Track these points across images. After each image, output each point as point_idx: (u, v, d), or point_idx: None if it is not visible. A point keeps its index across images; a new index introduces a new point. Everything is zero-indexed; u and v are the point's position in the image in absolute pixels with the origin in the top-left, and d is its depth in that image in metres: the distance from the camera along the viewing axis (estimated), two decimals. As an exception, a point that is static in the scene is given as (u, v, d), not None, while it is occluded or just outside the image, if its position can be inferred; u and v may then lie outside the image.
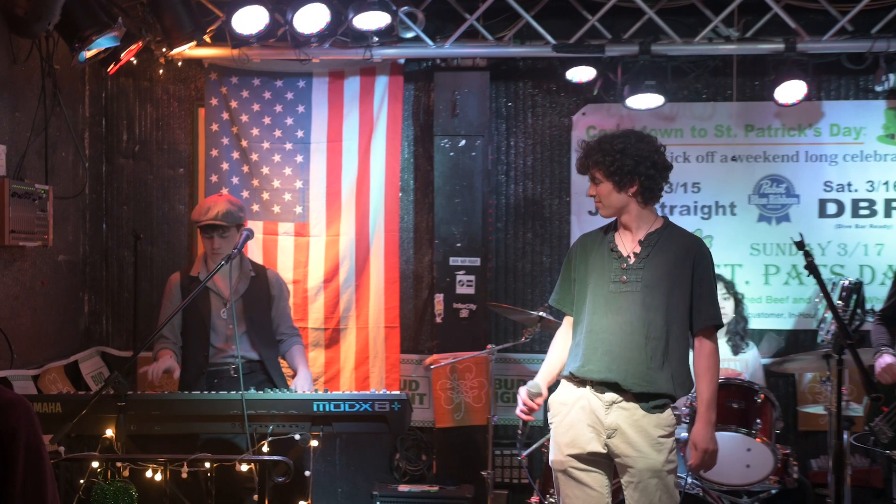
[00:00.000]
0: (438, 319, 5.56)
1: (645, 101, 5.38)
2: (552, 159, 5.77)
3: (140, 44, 5.13)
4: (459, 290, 5.54)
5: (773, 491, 4.65)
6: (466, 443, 5.52)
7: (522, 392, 3.64)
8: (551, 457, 3.59)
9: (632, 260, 3.50)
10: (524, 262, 5.79)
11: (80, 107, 5.67)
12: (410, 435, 5.72)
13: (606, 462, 3.50)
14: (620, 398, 3.43)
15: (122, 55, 5.09)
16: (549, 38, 5.29)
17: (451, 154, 5.57)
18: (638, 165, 3.46)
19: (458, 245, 5.55)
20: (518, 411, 3.67)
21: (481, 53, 5.50)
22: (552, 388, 3.71)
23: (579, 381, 3.52)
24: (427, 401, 5.75)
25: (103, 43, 4.75)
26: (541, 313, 4.84)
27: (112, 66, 5.16)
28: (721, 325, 3.56)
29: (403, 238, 5.76)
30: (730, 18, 5.28)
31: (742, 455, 4.51)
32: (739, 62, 5.53)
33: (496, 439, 5.17)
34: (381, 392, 4.17)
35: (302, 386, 4.50)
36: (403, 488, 5.26)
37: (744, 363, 5.28)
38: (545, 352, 5.51)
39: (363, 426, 4.15)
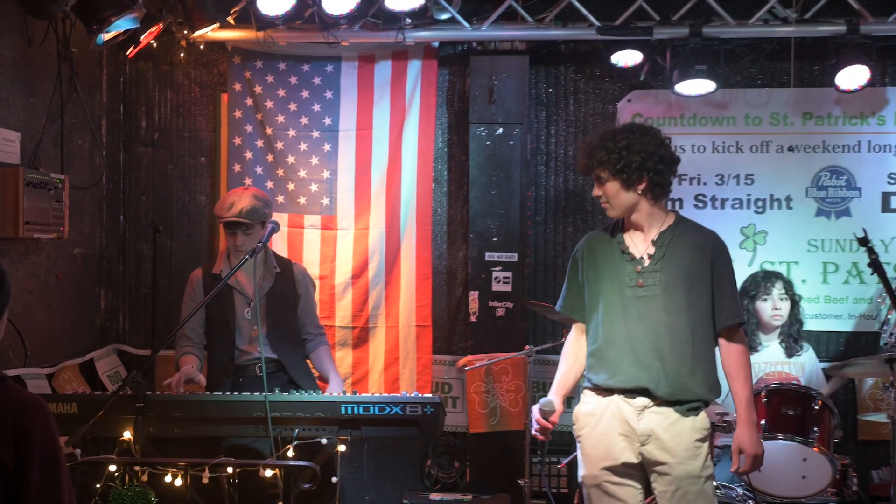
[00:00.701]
0: (473, 318, 5.39)
1: (695, 86, 5.18)
2: (595, 149, 5.50)
3: (160, 26, 4.97)
4: (495, 287, 5.37)
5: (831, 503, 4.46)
6: (502, 449, 5.35)
7: (535, 411, 3.51)
8: (582, 472, 3.47)
9: (646, 262, 3.38)
10: (564, 257, 5.56)
11: (98, 92, 5.51)
12: (442, 440, 5.54)
13: (640, 474, 3.38)
14: (652, 403, 3.31)
15: (142, 38, 4.93)
16: (592, 19, 5.09)
17: (488, 143, 5.38)
18: (645, 161, 3.33)
19: (495, 240, 5.38)
20: (533, 432, 3.56)
21: (520, 36, 5.31)
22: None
23: (606, 391, 3.39)
24: (460, 404, 5.56)
25: (122, 25, 4.59)
26: (582, 313, 4.60)
27: (131, 49, 5.00)
28: (744, 323, 3.46)
29: (436, 232, 5.58)
30: (788, -1, 5.07)
31: (797, 465, 4.32)
32: (797, 45, 5.29)
33: (534, 446, 5.02)
34: (412, 395, 4.01)
35: (337, 394, 4.34)
36: (435, 496, 5.15)
37: (799, 367, 5.07)
38: None
39: (394, 430, 3.99)
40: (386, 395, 4.32)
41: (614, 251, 3.44)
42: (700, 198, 5.39)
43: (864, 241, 4.37)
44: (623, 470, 3.36)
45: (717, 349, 3.46)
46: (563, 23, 5.18)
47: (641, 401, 3.32)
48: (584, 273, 3.52)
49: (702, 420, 3.34)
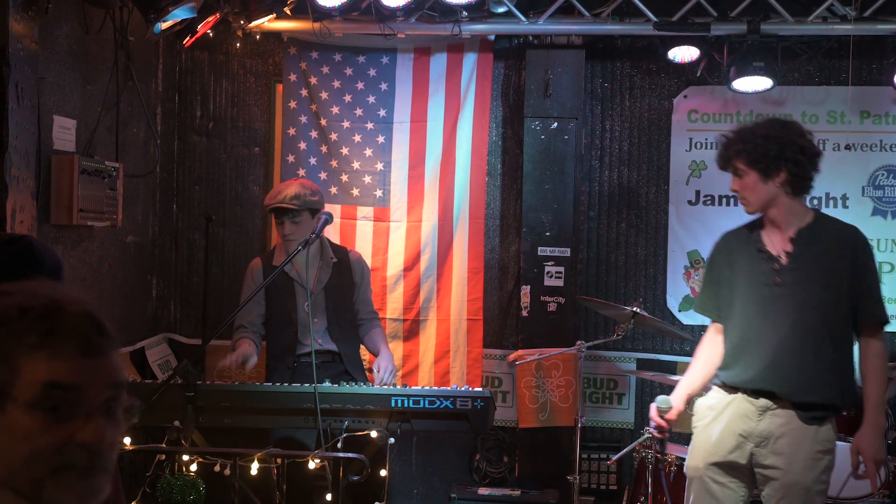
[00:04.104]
0: (524, 313, 5.35)
1: (752, 83, 5.13)
2: (650, 144, 5.52)
3: (217, 16, 4.94)
4: (547, 281, 5.32)
5: None
6: (551, 445, 5.30)
7: (652, 409, 3.49)
8: (688, 461, 3.41)
9: (784, 260, 3.26)
10: (617, 253, 5.55)
11: (153, 81, 5.52)
12: (492, 435, 5.49)
13: (746, 476, 3.29)
14: (775, 405, 3.21)
15: (199, 27, 4.89)
16: (650, 14, 5.04)
17: (542, 137, 5.34)
18: (783, 150, 3.22)
19: (548, 234, 5.33)
20: (650, 429, 3.54)
21: (577, 30, 5.26)
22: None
23: (731, 389, 3.32)
24: (510, 399, 5.52)
25: (180, 14, 4.54)
26: (635, 309, 4.61)
27: (188, 38, 4.96)
28: (887, 322, 3.31)
29: (489, 225, 5.54)
30: (847, -3, 5.01)
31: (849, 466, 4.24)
32: (856, 43, 5.19)
33: (583, 442, 4.95)
34: (462, 388, 4.00)
35: (385, 366, 4.32)
36: (483, 491, 5.10)
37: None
38: (638, 350, 5.44)
39: (443, 424, 3.99)
40: (436, 388, 4.29)
41: (751, 249, 3.33)
42: (756, 196, 5.35)
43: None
44: (729, 467, 3.29)
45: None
46: (619, 18, 5.13)
47: (764, 402, 3.23)
48: (721, 272, 3.44)
49: (826, 432, 3.21)
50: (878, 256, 5.22)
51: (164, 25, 4.62)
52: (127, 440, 3.69)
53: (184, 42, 5.01)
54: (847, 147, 5.32)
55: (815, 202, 5.31)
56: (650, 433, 3.55)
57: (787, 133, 3.25)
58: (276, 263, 4.44)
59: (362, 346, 4.63)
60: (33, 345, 1.25)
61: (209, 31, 5.11)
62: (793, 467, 3.16)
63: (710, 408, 3.36)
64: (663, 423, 3.45)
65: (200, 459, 3.75)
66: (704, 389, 3.50)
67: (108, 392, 1.30)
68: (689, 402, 3.53)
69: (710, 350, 3.46)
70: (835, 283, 3.23)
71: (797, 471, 3.16)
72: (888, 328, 5.16)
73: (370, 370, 4.58)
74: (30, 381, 1.24)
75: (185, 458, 3.72)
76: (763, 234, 3.33)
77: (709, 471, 3.30)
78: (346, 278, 4.50)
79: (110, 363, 1.31)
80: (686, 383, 3.51)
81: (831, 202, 5.33)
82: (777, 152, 3.21)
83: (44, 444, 1.24)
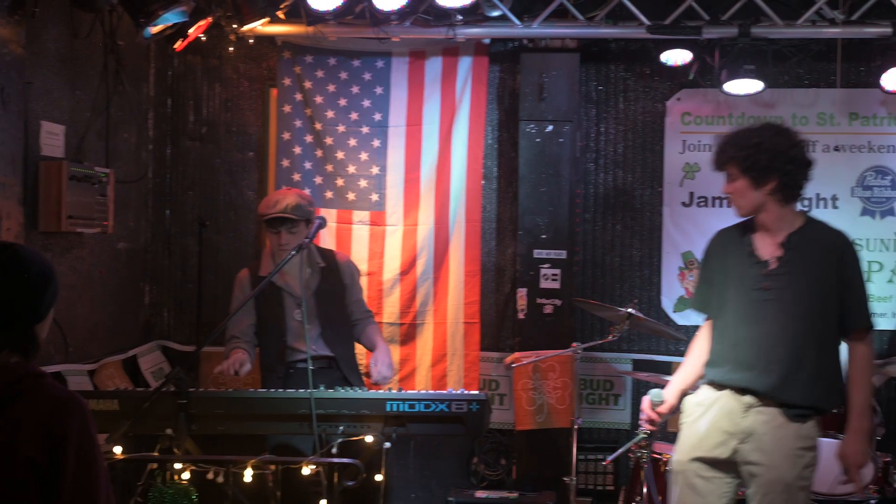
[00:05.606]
0: (521, 315, 5.37)
1: (743, 86, 5.18)
2: (644, 147, 5.57)
3: (209, 19, 4.93)
4: (544, 284, 5.35)
5: (872, 501, 4.44)
6: (548, 447, 5.32)
7: (645, 402, 3.51)
8: (673, 457, 3.44)
9: (773, 265, 3.30)
10: (613, 255, 5.60)
11: (145, 86, 5.47)
12: (489, 437, 5.51)
13: (731, 472, 3.32)
14: (760, 403, 3.25)
15: (190, 31, 4.89)
16: (643, 18, 5.09)
17: (538, 140, 5.37)
18: (774, 161, 3.25)
19: (543, 237, 5.35)
20: (640, 422, 3.56)
21: (571, 34, 5.30)
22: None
23: (719, 386, 3.36)
24: (507, 401, 5.54)
25: (170, 18, 4.56)
26: (630, 310, 4.64)
27: (179, 42, 4.97)
28: (873, 327, 3.35)
29: (485, 229, 5.56)
30: (835, 0, 5.06)
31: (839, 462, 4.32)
32: (844, 46, 5.31)
33: (580, 443, 4.97)
34: (458, 391, 3.95)
35: (384, 359, 4.29)
36: (481, 494, 5.11)
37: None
38: (633, 351, 5.49)
39: (439, 428, 3.92)
40: (431, 391, 4.32)
41: (743, 252, 3.37)
42: (748, 196, 5.42)
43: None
44: (713, 463, 3.31)
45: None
46: (613, 21, 5.17)
47: (749, 399, 3.26)
48: (714, 270, 3.48)
49: (808, 428, 3.23)
50: (867, 256, 5.36)
51: (155, 30, 4.62)
52: (118, 449, 3.64)
53: (175, 46, 5.00)
54: (836, 148, 5.39)
55: (806, 203, 5.36)
56: (641, 426, 3.57)
57: (780, 142, 3.28)
58: (262, 273, 4.38)
59: (359, 347, 4.60)
60: None
61: (202, 35, 5.08)
62: (775, 464, 3.19)
63: (697, 404, 3.39)
64: (655, 416, 3.48)
65: (193, 467, 3.67)
66: (696, 385, 3.54)
67: None
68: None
69: (705, 346, 3.50)
70: (822, 288, 3.26)
71: (779, 467, 3.19)
72: (880, 326, 5.35)
73: (367, 374, 4.55)
74: None
75: (178, 466, 3.65)
76: (755, 237, 3.38)
77: (693, 465, 3.33)
78: (335, 282, 4.46)
79: None
80: (680, 378, 3.55)
81: (821, 203, 5.39)
82: (768, 162, 3.24)
83: None
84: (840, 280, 3.27)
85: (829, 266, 3.27)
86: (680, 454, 3.40)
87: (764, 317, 3.27)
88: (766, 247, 3.33)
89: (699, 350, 3.53)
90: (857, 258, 3.33)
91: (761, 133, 3.31)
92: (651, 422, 3.52)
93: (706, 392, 3.40)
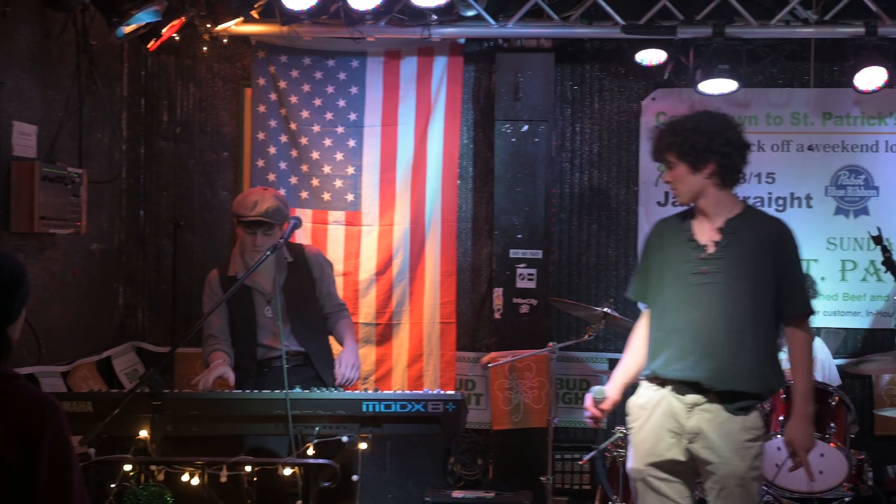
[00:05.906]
0: (497, 315, 5.39)
1: (718, 86, 5.21)
2: (620, 146, 5.59)
3: (183, 19, 4.91)
4: (520, 284, 5.36)
5: (847, 499, 4.51)
6: (525, 446, 5.35)
7: (588, 399, 3.51)
8: (629, 464, 3.45)
9: (711, 249, 3.32)
10: (588, 255, 5.61)
11: (118, 86, 5.44)
12: (466, 437, 5.51)
13: (687, 470, 3.35)
14: (703, 399, 3.26)
15: (164, 31, 4.87)
16: (617, 18, 5.11)
17: (513, 140, 5.38)
18: (711, 142, 3.28)
19: (519, 236, 5.37)
20: (585, 419, 3.56)
21: (546, 34, 5.31)
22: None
23: (660, 382, 3.35)
24: (484, 401, 5.54)
25: (143, 18, 4.55)
26: (606, 309, 4.68)
27: (152, 42, 4.94)
28: (813, 313, 3.37)
29: (461, 228, 5.56)
30: (808, 0, 5.09)
31: (814, 460, 4.19)
32: (817, 46, 5.34)
33: (556, 443, 5.03)
34: (434, 392, 3.96)
35: (348, 360, 4.28)
36: (458, 494, 5.13)
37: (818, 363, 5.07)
38: (609, 350, 5.50)
39: (415, 428, 3.92)
40: (407, 391, 4.31)
41: (682, 238, 3.39)
42: (721, 196, 5.44)
43: (878, 240, 4.45)
44: (669, 467, 3.33)
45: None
46: (588, 21, 5.19)
47: (692, 398, 3.26)
48: (652, 258, 3.49)
49: (752, 420, 3.27)
50: (841, 255, 5.42)
51: (128, 29, 4.62)
52: (92, 451, 3.61)
53: (148, 46, 4.98)
54: (810, 148, 5.43)
55: (780, 202, 5.44)
56: (586, 422, 3.57)
57: (716, 125, 3.31)
58: (230, 273, 4.35)
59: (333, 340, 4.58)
60: None
61: (175, 35, 5.06)
62: (726, 459, 3.22)
63: (641, 408, 3.39)
64: (598, 412, 3.48)
65: (168, 469, 3.63)
66: (637, 378, 3.54)
67: None
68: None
69: (644, 337, 3.50)
70: (760, 272, 3.29)
71: (730, 462, 3.22)
72: (853, 325, 5.38)
73: None
74: None
75: (152, 468, 3.62)
76: (694, 223, 3.39)
77: (649, 470, 3.34)
78: (304, 276, 4.42)
79: None
80: (620, 372, 3.55)
81: (795, 202, 5.44)
82: (705, 145, 3.27)
83: None
84: (778, 265, 3.30)
85: (768, 251, 3.30)
86: (636, 462, 3.40)
87: (702, 301, 3.28)
88: (705, 232, 3.35)
89: (638, 342, 3.53)
90: (796, 244, 3.37)
91: (697, 118, 3.36)
92: (595, 419, 3.51)
93: (648, 392, 3.39)
